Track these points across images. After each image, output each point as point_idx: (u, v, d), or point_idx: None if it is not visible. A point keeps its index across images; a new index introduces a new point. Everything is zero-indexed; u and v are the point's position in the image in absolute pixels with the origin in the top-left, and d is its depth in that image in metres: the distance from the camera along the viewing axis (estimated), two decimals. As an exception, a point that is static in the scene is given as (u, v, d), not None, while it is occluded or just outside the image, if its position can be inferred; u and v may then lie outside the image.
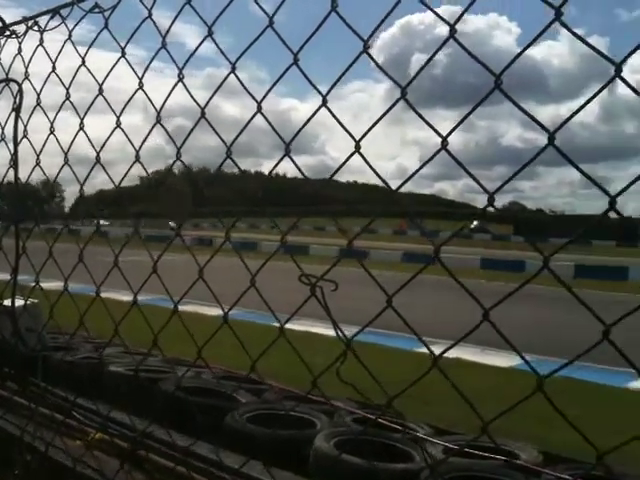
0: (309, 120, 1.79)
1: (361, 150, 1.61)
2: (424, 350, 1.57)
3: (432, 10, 1.49)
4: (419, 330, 1.53)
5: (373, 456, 2.63)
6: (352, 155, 1.64)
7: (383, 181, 1.62)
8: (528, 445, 2.87)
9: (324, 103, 1.69)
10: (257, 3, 1.85)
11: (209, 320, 10.38)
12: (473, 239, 77.69)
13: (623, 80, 1.17)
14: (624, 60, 1.16)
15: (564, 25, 1.26)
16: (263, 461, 2.40)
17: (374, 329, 1.81)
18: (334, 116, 1.71)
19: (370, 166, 1.66)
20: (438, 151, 1.43)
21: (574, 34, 1.27)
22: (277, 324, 1.81)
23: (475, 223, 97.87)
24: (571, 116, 1.28)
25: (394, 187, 1.56)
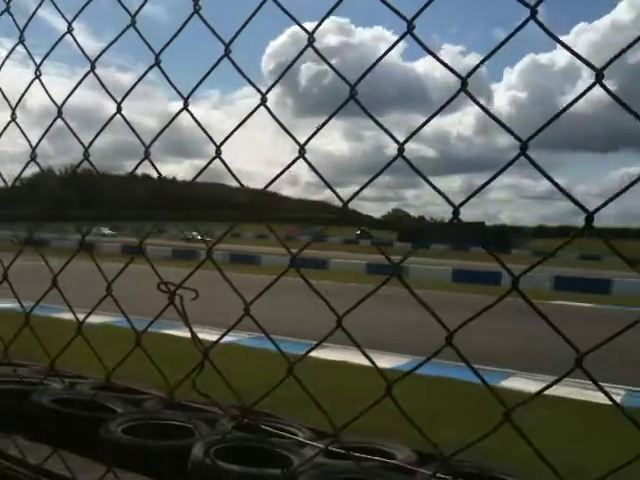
0: (171, 121, 1.75)
1: (252, 157, 1.59)
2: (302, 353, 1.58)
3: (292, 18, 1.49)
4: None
5: (253, 462, 2.61)
6: (213, 160, 1.64)
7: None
8: (403, 445, 2.95)
9: (185, 106, 1.67)
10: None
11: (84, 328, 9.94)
12: (359, 245, 79.97)
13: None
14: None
15: (539, 23, 1.24)
16: (137, 471, 2.32)
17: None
18: (196, 120, 1.68)
19: (231, 172, 1.66)
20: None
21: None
22: (165, 331, 1.75)
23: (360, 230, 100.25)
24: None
25: (284, 194, 1.56)
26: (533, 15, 1.24)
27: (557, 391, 8.10)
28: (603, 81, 1.17)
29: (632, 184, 1.13)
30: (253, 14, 1.50)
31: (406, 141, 1.38)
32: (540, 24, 1.23)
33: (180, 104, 1.67)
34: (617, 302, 24.13)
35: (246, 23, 1.52)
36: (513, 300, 1.32)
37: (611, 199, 1.17)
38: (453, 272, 32.28)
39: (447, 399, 8.40)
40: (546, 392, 1.28)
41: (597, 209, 1.17)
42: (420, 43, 1.34)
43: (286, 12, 1.49)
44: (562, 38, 1.26)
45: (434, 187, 1.38)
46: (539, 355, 11.43)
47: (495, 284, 28.59)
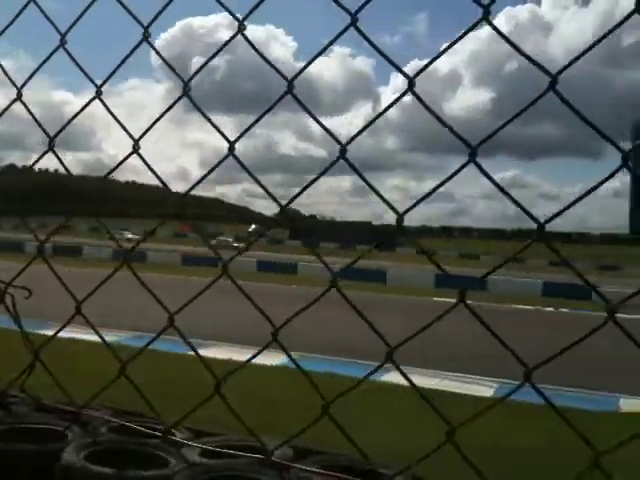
0: (81, 111, 1.70)
1: (141, 150, 1.56)
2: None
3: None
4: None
5: (128, 465, 2.55)
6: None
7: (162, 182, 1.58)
8: (279, 441, 2.98)
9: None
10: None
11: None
12: (257, 243, 79.92)
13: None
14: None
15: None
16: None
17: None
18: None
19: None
20: (226, 156, 1.43)
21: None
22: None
23: (253, 226, 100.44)
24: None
25: (175, 189, 1.55)
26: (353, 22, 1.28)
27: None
28: (482, 87, 1.21)
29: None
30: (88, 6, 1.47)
31: (349, 142, 1.39)
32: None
33: (65, 94, 1.61)
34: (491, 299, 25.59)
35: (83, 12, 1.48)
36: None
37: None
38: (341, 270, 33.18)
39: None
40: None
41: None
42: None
43: (219, 2, 1.47)
44: (445, 45, 1.32)
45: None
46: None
47: (381, 282, 29.50)
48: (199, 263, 31.27)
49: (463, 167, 1.30)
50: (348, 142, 1.35)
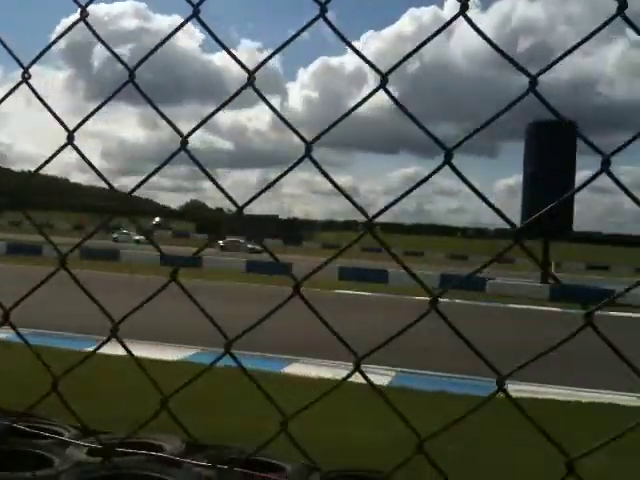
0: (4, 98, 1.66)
1: (44, 140, 1.54)
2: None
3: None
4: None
5: (14, 466, 2.51)
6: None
7: None
8: (174, 436, 3.02)
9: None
10: None
11: None
12: (156, 235, 78.15)
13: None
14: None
15: (328, 22, 1.29)
16: None
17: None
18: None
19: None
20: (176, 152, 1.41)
21: (341, 37, 1.33)
22: None
23: (157, 219, 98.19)
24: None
25: (74, 180, 1.52)
26: (322, 14, 1.31)
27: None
28: (387, 87, 1.27)
29: (410, 190, 1.28)
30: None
31: (315, 140, 1.35)
32: (329, 23, 1.31)
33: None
34: (392, 290, 26.35)
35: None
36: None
37: (387, 207, 1.32)
38: (247, 264, 33.18)
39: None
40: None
41: (375, 215, 1.30)
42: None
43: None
44: (352, 43, 1.36)
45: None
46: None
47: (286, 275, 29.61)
48: (95, 255, 30.60)
49: (439, 169, 1.28)
50: (314, 140, 1.33)
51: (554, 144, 27.59)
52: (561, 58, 1.21)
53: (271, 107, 1.40)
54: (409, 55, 1.29)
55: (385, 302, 22.56)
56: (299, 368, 10.33)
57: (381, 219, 1.36)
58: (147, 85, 1.55)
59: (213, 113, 1.51)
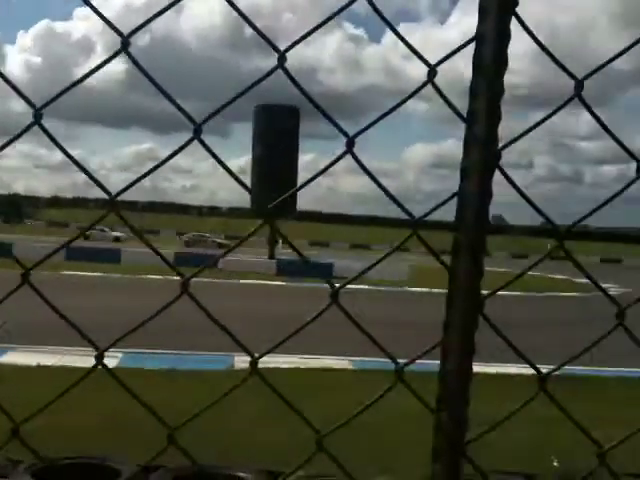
0: None
1: None
2: None
3: None
4: None
5: None
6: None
7: None
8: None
9: None
10: None
11: None
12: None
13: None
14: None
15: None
16: None
17: None
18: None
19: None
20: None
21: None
22: None
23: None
24: None
25: None
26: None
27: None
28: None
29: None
30: None
31: (356, 136, 1.08)
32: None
33: None
34: (125, 271, 26.36)
35: None
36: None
37: (131, 184, 1.24)
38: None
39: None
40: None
41: (119, 193, 1.27)
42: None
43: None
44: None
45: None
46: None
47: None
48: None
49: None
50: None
51: (279, 128, 29.25)
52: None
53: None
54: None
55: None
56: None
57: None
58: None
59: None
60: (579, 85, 1.11)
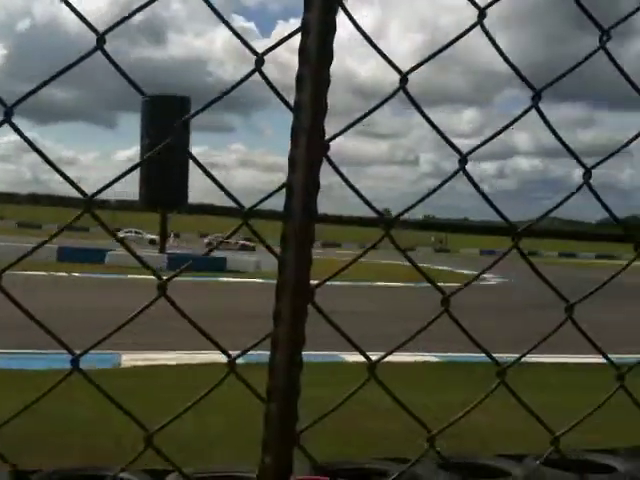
0: None
1: None
2: None
3: None
4: None
5: None
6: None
7: None
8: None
9: None
10: None
11: None
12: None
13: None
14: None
15: None
16: None
17: None
18: None
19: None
20: None
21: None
22: None
23: None
24: None
25: None
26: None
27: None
28: None
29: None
30: None
31: (332, 139, 1.06)
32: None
33: None
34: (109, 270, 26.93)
35: None
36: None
37: None
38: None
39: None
40: None
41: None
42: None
43: None
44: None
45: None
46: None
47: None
48: None
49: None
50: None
51: (169, 119, 28.52)
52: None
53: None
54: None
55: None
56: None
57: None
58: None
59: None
60: (404, 78, 1.14)
